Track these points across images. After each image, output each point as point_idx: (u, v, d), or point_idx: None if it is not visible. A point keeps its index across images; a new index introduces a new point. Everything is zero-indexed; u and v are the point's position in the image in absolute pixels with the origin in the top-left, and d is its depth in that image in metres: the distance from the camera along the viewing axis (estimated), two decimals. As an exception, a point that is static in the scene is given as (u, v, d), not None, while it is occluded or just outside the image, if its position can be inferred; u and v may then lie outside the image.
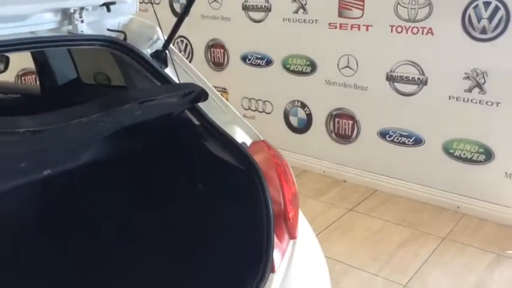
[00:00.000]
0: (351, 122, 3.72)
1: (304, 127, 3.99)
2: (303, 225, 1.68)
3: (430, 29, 3.17)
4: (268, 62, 4.02)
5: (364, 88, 3.57)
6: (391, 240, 3.06)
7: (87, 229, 1.75)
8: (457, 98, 3.19)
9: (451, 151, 3.31)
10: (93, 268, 1.69)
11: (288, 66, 3.93)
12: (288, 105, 4.03)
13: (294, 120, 4.04)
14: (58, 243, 1.72)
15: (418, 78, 3.30)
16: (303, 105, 3.96)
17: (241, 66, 4.16)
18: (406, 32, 3.25)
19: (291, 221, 1.56)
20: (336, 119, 3.80)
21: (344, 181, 3.83)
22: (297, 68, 3.88)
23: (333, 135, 3.84)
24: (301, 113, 3.98)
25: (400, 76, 3.37)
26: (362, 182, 3.74)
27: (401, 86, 3.39)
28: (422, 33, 3.20)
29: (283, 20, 3.80)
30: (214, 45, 4.29)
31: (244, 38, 4.09)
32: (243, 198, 1.55)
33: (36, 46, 1.45)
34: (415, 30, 3.22)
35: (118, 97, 1.28)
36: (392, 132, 3.54)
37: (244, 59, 4.14)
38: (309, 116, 3.94)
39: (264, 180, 1.51)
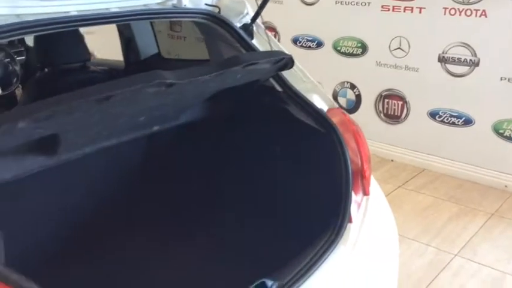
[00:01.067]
0: (400, 102, 3.84)
1: (353, 108, 4.12)
2: (373, 185, 1.84)
3: (483, 11, 3.24)
4: (319, 44, 4.15)
5: (415, 69, 3.67)
6: (441, 215, 3.19)
7: (177, 183, 1.95)
8: (508, 79, 3.27)
9: (500, 131, 3.40)
10: (185, 216, 1.89)
11: (338, 48, 4.06)
12: (337, 87, 4.17)
13: (342, 101, 4.17)
14: (158, 194, 1.92)
15: (470, 60, 3.39)
16: (353, 87, 4.09)
17: (291, 49, 4.30)
18: (460, 14, 3.34)
19: (367, 178, 1.72)
20: (386, 100, 3.91)
21: (392, 160, 3.95)
22: (347, 50, 4.00)
23: (382, 115, 3.97)
24: (350, 94, 4.11)
25: (452, 58, 3.47)
26: (410, 161, 3.86)
27: (452, 67, 3.48)
28: (476, 16, 3.28)
29: (336, 3, 3.93)
30: (266, 28, 4.44)
31: (296, 20, 4.23)
32: (322, 158, 1.72)
33: (149, 17, 1.64)
34: (468, 12, 3.31)
35: (228, 60, 1.46)
36: (442, 112, 3.64)
37: (295, 41, 4.29)
38: (358, 97, 4.07)
39: (343, 140, 1.67)
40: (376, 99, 3.96)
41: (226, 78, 1.51)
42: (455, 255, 2.78)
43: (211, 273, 1.64)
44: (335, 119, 1.75)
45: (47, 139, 1.31)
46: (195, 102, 1.75)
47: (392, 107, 3.89)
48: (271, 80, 1.81)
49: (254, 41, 1.84)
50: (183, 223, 1.88)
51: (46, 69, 2.21)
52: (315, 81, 1.87)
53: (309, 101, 1.77)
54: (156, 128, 1.68)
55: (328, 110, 1.81)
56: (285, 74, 1.81)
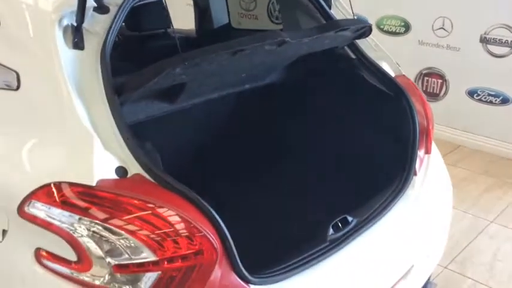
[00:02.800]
0: (440, 81, 4.02)
1: (392, 85, 4.30)
2: (433, 146, 2.06)
3: (528, -6, 3.40)
4: (362, 23, 4.32)
5: (457, 49, 3.84)
6: (476, 187, 3.39)
7: (256, 136, 2.20)
8: (548, 61, 3.44)
9: (537, 111, 3.58)
10: (263, 167, 2.15)
11: (381, 27, 4.23)
12: (377, 64, 4.34)
13: (382, 78, 4.35)
14: (239, 147, 2.18)
15: (511, 41, 3.55)
16: (394, 64, 4.27)
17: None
18: (503, -3, 3.50)
19: (430, 138, 1.94)
20: (426, 78, 4.09)
21: (428, 136, 4.15)
22: (391, 28, 4.18)
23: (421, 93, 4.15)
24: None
25: (493, 38, 3.63)
26: (446, 138, 4.04)
27: (494, 48, 3.64)
28: (520, -1, 3.44)
29: (381, -17, 4.10)
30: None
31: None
32: (392, 118, 1.94)
33: None
34: (512, -5, 3.46)
35: (326, 25, 1.67)
36: (480, 91, 3.81)
37: (339, 19, 4.46)
38: (399, 74, 4.25)
39: (412, 102, 1.89)
40: (416, 77, 4.14)
41: (318, 43, 1.72)
42: (491, 222, 3.00)
43: (302, 210, 1.89)
44: (403, 84, 1.97)
45: (176, 87, 1.54)
46: (283, 65, 1.97)
47: (431, 84, 4.07)
48: (346, 48, 2.03)
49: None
50: (267, 172, 2.12)
51: (134, 34, 2.44)
52: (384, 50, 2.08)
53: (380, 67, 1.98)
54: (247, 86, 1.90)
55: (396, 77, 2.03)
56: (358, 42, 2.02)
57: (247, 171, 2.10)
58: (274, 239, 1.67)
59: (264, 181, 2.05)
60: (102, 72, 1.31)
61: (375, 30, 4.21)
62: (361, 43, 2.04)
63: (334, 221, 1.59)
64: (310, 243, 1.51)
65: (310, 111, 2.15)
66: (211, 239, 1.19)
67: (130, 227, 1.14)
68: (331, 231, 1.57)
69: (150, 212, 1.17)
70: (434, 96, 4.09)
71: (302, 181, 2.07)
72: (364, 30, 1.86)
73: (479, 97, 3.83)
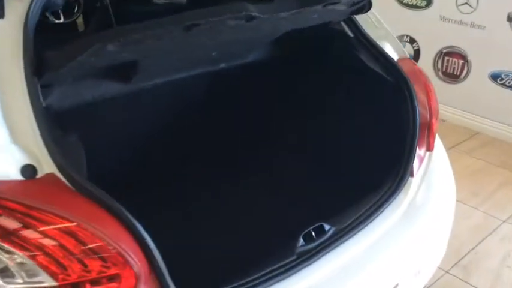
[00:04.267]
0: (461, 61, 3.68)
1: (409, 63, 3.98)
2: (437, 141, 1.79)
3: None
4: (381, -6, 3.98)
5: (482, 27, 3.49)
6: (492, 180, 3.11)
7: (236, 122, 1.96)
8: None
9: None
10: (243, 155, 1.92)
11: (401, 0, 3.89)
12: (395, 40, 4.02)
13: (399, 56, 4.03)
14: (216, 131, 1.94)
15: (544, 21, 3.19)
16: (412, 41, 3.93)
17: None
18: (538, -29, 3.13)
19: (433, 133, 1.67)
20: (446, 57, 3.76)
21: (444, 121, 3.83)
22: (411, 1, 3.83)
23: (440, 73, 3.83)
24: (409, 49, 3.96)
25: (523, 17, 3.28)
26: (463, 123, 3.74)
27: (523, 28, 3.30)
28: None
29: (404, -49, 3.73)
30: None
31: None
32: (390, 108, 1.68)
33: None
34: (548, -31, 3.09)
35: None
36: (504, 75, 3.48)
37: (356, -11, 4.12)
38: (417, 52, 3.92)
39: (414, 91, 1.62)
40: (436, 56, 3.81)
41: (303, 17, 1.46)
42: (504, 221, 2.73)
43: (269, 212, 1.66)
44: (405, 69, 1.69)
45: (126, 65, 1.31)
46: (265, 42, 1.72)
47: (452, 65, 3.74)
48: (342, 24, 1.75)
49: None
50: (241, 162, 1.89)
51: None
52: (388, 28, 1.79)
53: (381, 48, 1.71)
54: (223, 65, 1.66)
55: (399, 60, 1.75)
56: (358, 18, 1.74)
57: (215, 166, 1.88)
58: (232, 252, 1.44)
59: (232, 178, 1.82)
60: (24, 46, 1.08)
61: (394, 3, 3.89)
62: (361, 19, 1.76)
63: (307, 230, 1.36)
64: (274, 256, 1.28)
65: (297, 95, 1.91)
66: (130, 260, 0.97)
67: (25, 244, 0.92)
68: (301, 241, 1.34)
69: (53, 225, 0.94)
70: (454, 77, 3.76)
71: (277, 179, 1.83)
72: (362, 4, 1.59)
73: (502, 81, 3.49)
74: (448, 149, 3.42)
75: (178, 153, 1.88)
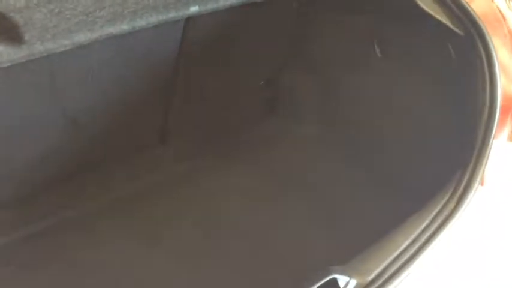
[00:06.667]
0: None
1: None
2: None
3: None
4: None
5: None
6: None
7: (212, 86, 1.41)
8: None
9: None
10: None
11: None
12: None
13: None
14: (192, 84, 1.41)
15: None
16: None
17: None
18: None
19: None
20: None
21: None
22: None
23: None
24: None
25: None
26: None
27: None
28: None
29: None
30: None
31: None
32: (454, 78, 1.09)
33: None
34: None
35: None
36: None
37: None
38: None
39: (493, 51, 1.01)
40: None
41: None
42: None
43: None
44: (481, 18, 1.08)
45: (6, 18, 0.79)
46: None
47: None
48: None
49: None
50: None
51: None
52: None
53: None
54: (194, 8, 1.08)
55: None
56: None
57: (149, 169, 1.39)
58: None
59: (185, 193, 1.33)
60: None
61: None
62: None
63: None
64: None
65: (313, 49, 1.34)
66: None
67: None
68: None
69: None
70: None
71: (264, 192, 1.32)
72: None
73: None
74: None
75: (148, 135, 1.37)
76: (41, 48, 0.92)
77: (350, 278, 0.88)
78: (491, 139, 1.02)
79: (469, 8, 1.06)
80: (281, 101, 1.66)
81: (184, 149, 1.49)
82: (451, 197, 1.01)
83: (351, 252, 0.94)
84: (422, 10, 1.12)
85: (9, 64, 0.90)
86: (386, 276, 0.90)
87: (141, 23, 1.03)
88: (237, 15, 1.31)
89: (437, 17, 1.07)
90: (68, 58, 1.04)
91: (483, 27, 1.04)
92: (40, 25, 0.90)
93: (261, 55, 1.51)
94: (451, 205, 1.00)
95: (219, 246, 1.19)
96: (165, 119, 1.43)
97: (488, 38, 1.03)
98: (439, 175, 1.04)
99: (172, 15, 1.09)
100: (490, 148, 1.02)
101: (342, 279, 0.87)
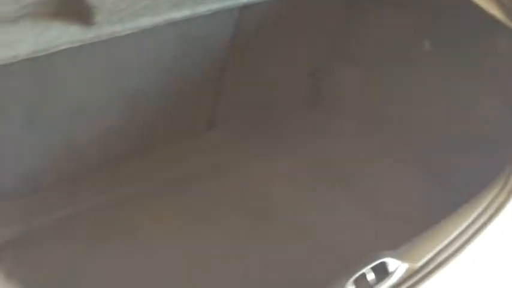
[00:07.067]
0: None
1: None
2: None
3: None
4: None
5: None
6: None
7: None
8: None
9: None
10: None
11: None
12: None
13: None
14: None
15: None
16: None
17: None
18: None
19: None
20: None
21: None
22: None
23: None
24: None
25: None
26: None
27: None
28: None
29: None
30: None
31: None
32: (504, 73, 1.10)
33: None
34: None
35: None
36: None
37: None
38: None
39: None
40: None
41: None
42: None
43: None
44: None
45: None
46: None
47: None
48: None
49: None
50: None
51: None
52: None
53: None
54: None
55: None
56: None
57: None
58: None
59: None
60: None
61: None
62: None
63: (359, 272, 0.87)
64: None
65: (360, 42, 1.40)
66: None
67: None
68: (350, 289, 0.85)
69: None
70: None
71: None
72: None
73: None
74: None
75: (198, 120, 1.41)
76: (108, 30, 0.97)
77: (401, 263, 0.90)
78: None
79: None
80: (325, 92, 1.68)
81: (231, 134, 1.54)
82: (501, 190, 1.02)
83: (399, 240, 0.96)
84: (475, 4, 1.13)
85: (78, 44, 0.96)
86: (435, 263, 0.92)
87: (201, 9, 1.08)
88: (289, 4, 1.34)
89: (490, 11, 1.08)
90: (130, 41, 1.09)
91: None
92: (110, 8, 0.95)
93: (308, 45, 1.54)
94: (501, 199, 1.01)
95: (268, 229, 1.23)
96: (214, 105, 1.48)
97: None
98: (489, 168, 1.05)
99: (230, 2, 1.13)
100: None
101: (392, 263, 0.90)
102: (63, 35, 0.90)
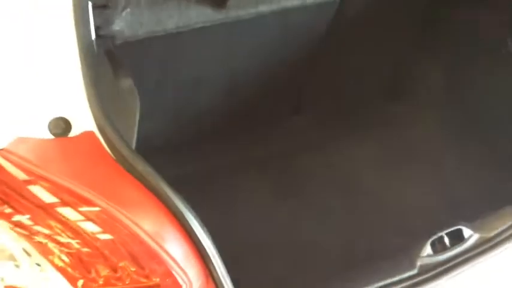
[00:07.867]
0: None
1: None
2: None
3: None
4: None
5: None
6: None
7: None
8: None
9: None
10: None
11: None
12: None
13: None
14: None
15: None
16: None
17: None
18: None
19: None
20: None
21: None
22: None
23: None
24: None
25: None
26: None
27: None
28: None
29: None
30: None
31: None
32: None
33: None
34: None
35: None
36: None
37: None
38: None
39: None
40: None
41: None
42: None
43: (386, 199, 1.31)
44: None
45: None
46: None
47: None
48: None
49: None
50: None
51: None
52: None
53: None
54: None
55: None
56: None
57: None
58: (329, 255, 1.15)
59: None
60: None
61: None
62: None
63: (437, 235, 1.00)
64: (389, 265, 0.95)
65: (442, 40, 1.50)
66: (176, 268, 0.70)
67: (36, 234, 0.68)
68: (428, 250, 0.98)
69: (72, 212, 0.67)
70: None
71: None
72: None
73: None
74: None
75: (286, 105, 1.55)
76: (234, 14, 1.14)
77: (474, 233, 1.03)
78: None
79: None
80: (406, 87, 1.77)
81: (315, 120, 1.67)
82: None
83: (471, 219, 1.07)
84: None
85: (207, 24, 1.14)
86: (505, 235, 1.03)
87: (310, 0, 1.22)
88: None
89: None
90: (244, 26, 1.26)
91: None
92: None
93: (394, 39, 1.64)
94: None
95: (357, 207, 1.34)
96: (301, 91, 1.62)
97: None
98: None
99: None
100: None
101: (467, 231, 1.02)
102: (201, 15, 1.09)
